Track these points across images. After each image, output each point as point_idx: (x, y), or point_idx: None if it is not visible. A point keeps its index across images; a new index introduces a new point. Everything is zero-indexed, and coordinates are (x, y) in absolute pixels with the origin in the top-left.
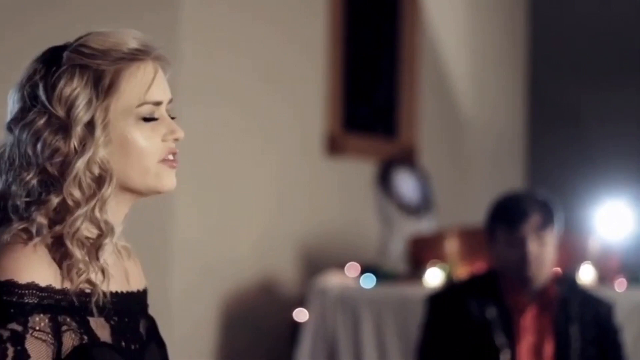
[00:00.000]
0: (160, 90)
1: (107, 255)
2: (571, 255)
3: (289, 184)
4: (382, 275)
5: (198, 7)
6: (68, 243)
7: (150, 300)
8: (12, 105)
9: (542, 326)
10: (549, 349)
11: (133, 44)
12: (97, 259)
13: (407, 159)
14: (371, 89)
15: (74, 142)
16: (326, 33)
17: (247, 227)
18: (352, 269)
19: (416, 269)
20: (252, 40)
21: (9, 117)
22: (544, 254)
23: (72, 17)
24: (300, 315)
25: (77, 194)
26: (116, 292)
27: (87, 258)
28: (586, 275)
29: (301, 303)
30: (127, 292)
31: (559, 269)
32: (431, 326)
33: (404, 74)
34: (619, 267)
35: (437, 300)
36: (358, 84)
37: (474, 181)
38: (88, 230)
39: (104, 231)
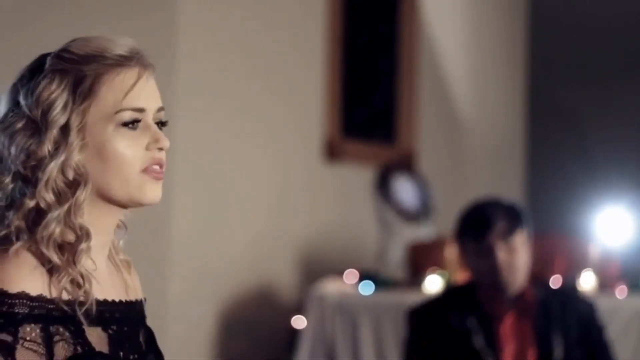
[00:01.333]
0: (144, 97)
1: (84, 260)
2: (571, 262)
3: (287, 189)
4: (381, 282)
5: (196, 11)
6: (43, 247)
7: (147, 305)
8: (2, 108)
9: (523, 332)
10: (531, 355)
11: (117, 50)
12: (74, 263)
13: (406, 164)
14: (370, 94)
15: (48, 146)
16: (325, 37)
17: (245, 232)
18: (351, 275)
19: (415, 275)
20: (250, 44)
21: None
22: (514, 260)
23: (70, 18)
24: (298, 322)
25: (49, 197)
26: (113, 301)
27: (65, 263)
28: (587, 282)
29: (299, 310)
30: (127, 301)
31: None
32: (413, 341)
33: (403, 78)
34: (619, 274)
35: (417, 314)
36: (357, 88)
37: (473, 186)
38: (70, 235)
39: (79, 236)
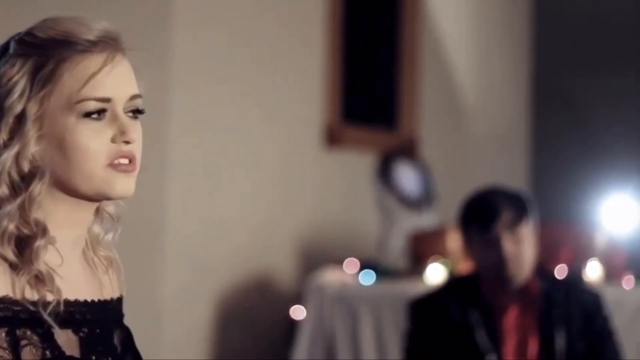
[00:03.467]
0: (111, 85)
1: (43, 256)
2: (577, 252)
3: (286, 177)
4: (382, 272)
5: None
6: None
7: (144, 296)
8: None
9: (526, 325)
10: (533, 347)
11: (86, 35)
12: (32, 261)
13: (407, 151)
14: (371, 80)
15: (3, 135)
16: (325, 22)
17: (242, 221)
18: (351, 264)
19: (417, 264)
20: (249, 30)
21: None
22: (521, 251)
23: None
24: (297, 312)
25: (1, 191)
26: (85, 301)
27: (23, 260)
28: (592, 272)
29: (298, 300)
30: (99, 301)
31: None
32: (413, 334)
33: (404, 64)
34: (626, 264)
35: (418, 306)
36: (357, 74)
37: (476, 174)
38: (21, 230)
39: (34, 232)
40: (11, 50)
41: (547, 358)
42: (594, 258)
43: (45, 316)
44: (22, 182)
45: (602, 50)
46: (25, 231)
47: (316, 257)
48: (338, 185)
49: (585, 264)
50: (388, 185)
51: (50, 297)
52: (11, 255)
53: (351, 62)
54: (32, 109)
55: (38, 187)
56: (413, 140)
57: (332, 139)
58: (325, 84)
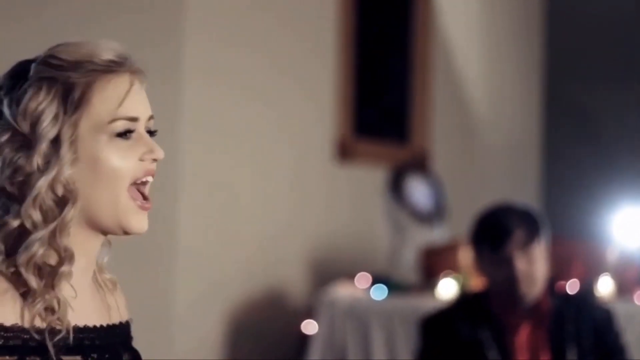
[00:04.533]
0: (137, 106)
1: (66, 285)
2: (588, 267)
3: (298, 191)
4: (393, 286)
5: (205, 8)
6: (23, 271)
7: (155, 311)
8: None
9: (538, 342)
10: None
11: (107, 55)
12: (53, 288)
13: (419, 164)
14: (382, 93)
15: (38, 160)
16: (337, 36)
17: (254, 235)
18: (363, 279)
19: (428, 279)
20: (261, 44)
21: None
22: (533, 270)
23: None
24: (309, 327)
25: (36, 216)
26: (94, 327)
27: (42, 287)
28: (604, 287)
29: (309, 314)
30: (107, 326)
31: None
32: (424, 352)
33: (416, 77)
34: (638, 279)
35: (429, 324)
36: (369, 88)
37: (488, 188)
38: (51, 257)
39: (62, 258)
40: (33, 73)
41: None
42: (605, 273)
43: (49, 344)
44: (55, 207)
45: (614, 62)
46: (51, 258)
47: (327, 271)
48: (350, 199)
49: (597, 279)
50: (399, 199)
51: (58, 326)
52: (33, 282)
53: (363, 76)
54: (67, 133)
55: (70, 213)
56: (424, 154)
57: (344, 152)
58: (337, 98)
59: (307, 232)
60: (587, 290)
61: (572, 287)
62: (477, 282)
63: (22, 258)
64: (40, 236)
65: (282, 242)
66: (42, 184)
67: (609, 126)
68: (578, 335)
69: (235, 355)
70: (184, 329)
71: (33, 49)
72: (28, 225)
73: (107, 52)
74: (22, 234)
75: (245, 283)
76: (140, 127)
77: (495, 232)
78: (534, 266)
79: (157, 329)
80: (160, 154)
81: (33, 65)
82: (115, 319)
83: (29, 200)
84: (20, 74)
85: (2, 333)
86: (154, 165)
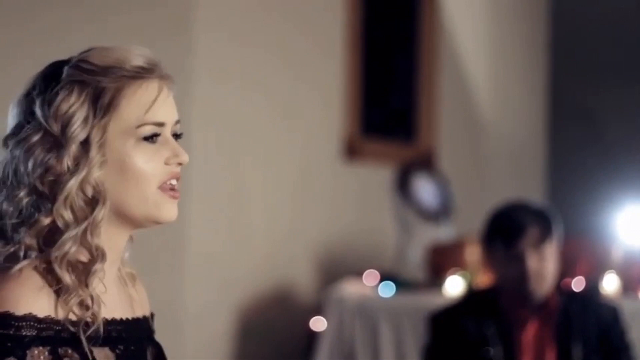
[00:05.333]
0: (164, 111)
1: (97, 281)
2: (594, 264)
3: (306, 190)
4: (401, 283)
5: (211, 6)
6: (56, 267)
7: (164, 311)
8: (10, 120)
9: (544, 339)
10: None
11: (137, 61)
12: (86, 285)
13: (425, 163)
14: (389, 93)
15: (68, 161)
16: (344, 36)
17: (263, 233)
18: (371, 276)
19: (436, 277)
20: (269, 44)
21: (7, 131)
22: (544, 268)
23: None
24: (317, 324)
25: (67, 215)
26: (121, 320)
27: (77, 284)
28: (610, 285)
29: (318, 311)
30: (133, 319)
31: (581, 280)
32: (432, 348)
33: (423, 77)
34: None
35: (436, 320)
36: (376, 87)
37: (493, 186)
38: (82, 255)
39: (94, 256)
40: (65, 76)
41: None
42: (610, 271)
43: (83, 337)
44: (86, 207)
45: (618, 64)
46: (83, 256)
47: (335, 268)
48: (357, 197)
49: (602, 277)
50: (406, 197)
51: (89, 318)
52: (67, 279)
53: (370, 76)
54: (96, 136)
55: (102, 213)
56: (431, 153)
57: (351, 151)
58: (344, 97)
59: (315, 230)
60: (592, 288)
61: (577, 284)
62: (483, 279)
63: (55, 256)
64: (73, 235)
65: (290, 240)
66: (73, 184)
67: (613, 127)
68: (584, 333)
69: (245, 351)
70: (194, 326)
71: (44, 45)
72: (60, 224)
73: (137, 58)
74: (53, 231)
75: (254, 281)
76: (167, 132)
77: (509, 228)
78: (545, 264)
79: (168, 327)
80: (185, 157)
81: (65, 68)
82: (138, 313)
83: (60, 200)
84: (53, 75)
85: (36, 324)
86: (179, 169)
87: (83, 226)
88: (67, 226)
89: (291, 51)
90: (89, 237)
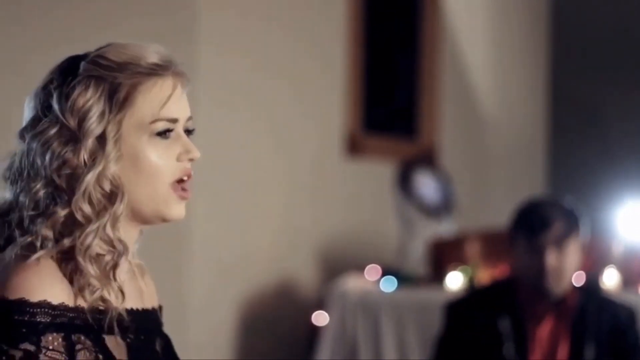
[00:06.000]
0: (178, 107)
1: (124, 274)
2: (594, 259)
3: (308, 186)
4: (403, 278)
5: (215, 9)
6: (80, 260)
7: (168, 303)
8: (26, 113)
9: (558, 336)
10: (561, 359)
11: (152, 58)
12: (114, 278)
13: (427, 159)
14: (391, 89)
15: (84, 155)
16: (345, 33)
17: (265, 229)
18: (373, 271)
19: (437, 272)
20: (270, 41)
21: (23, 124)
22: (564, 265)
23: (88, 13)
24: (319, 318)
25: (86, 209)
26: (132, 309)
27: (101, 276)
28: (610, 279)
29: (320, 306)
30: (143, 310)
31: (582, 274)
32: (445, 337)
33: (424, 73)
34: None
35: (452, 309)
36: (378, 84)
37: (494, 182)
38: (100, 247)
39: (118, 249)
40: (82, 70)
41: None
42: (611, 265)
43: (107, 324)
44: (105, 201)
45: (619, 59)
46: (106, 247)
47: (338, 263)
48: (359, 193)
49: (602, 272)
50: (408, 193)
51: (101, 307)
52: (91, 271)
53: (372, 73)
54: (112, 131)
55: (121, 207)
56: (433, 149)
57: (353, 148)
58: (346, 94)
59: (317, 226)
60: (593, 283)
61: (577, 279)
62: (484, 275)
63: (79, 248)
64: (94, 228)
65: (293, 235)
66: (90, 178)
67: (614, 121)
68: (598, 333)
69: (247, 346)
70: (197, 321)
71: (49, 48)
72: (79, 217)
73: (152, 55)
74: (68, 223)
75: (257, 276)
76: (179, 128)
77: (533, 221)
78: (565, 261)
79: (171, 321)
80: (197, 153)
81: (82, 63)
82: (147, 304)
83: (79, 193)
84: (70, 70)
85: (50, 311)
86: (190, 165)
87: (104, 220)
88: (88, 219)
89: (293, 50)
90: (109, 230)
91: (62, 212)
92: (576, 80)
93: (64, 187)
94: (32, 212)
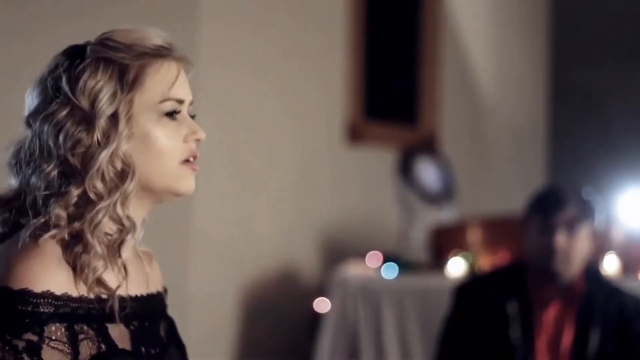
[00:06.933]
0: (183, 90)
1: (129, 252)
2: (595, 246)
3: (310, 173)
4: (404, 265)
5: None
6: (89, 236)
7: (170, 289)
8: (31, 100)
9: (564, 321)
10: (566, 343)
11: (157, 40)
12: (119, 255)
13: (428, 146)
14: (392, 76)
15: (98, 134)
16: (347, 20)
17: (267, 215)
18: (374, 258)
19: (438, 258)
20: (272, 28)
21: (27, 112)
22: (573, 249)
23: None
24: (321, 305)
25: (99, 186)
26: (136, 296)
27: (107, 252)
28: (610, 266)
29: (321, 293)
30: (147, 295)
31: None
32: (453, 317)
33: (425, 61)
34: None
35: (460, 291)
36: (379, 71)
37: (495, 169)
38: (107, 227)
39: (126, 227)
40: (90, 53)
41: (579, 356)
42: (611, 252)
43: (111, 312)
44: (117, 179)
45: (619, 46)
46: (114, 227)
47: (339, 250)
48: (360, 180)
49: (602, 258)
50: (409, 180)
51: (104, 296)
52: (98, 248)
53: (372, 59)
54: (124, 110)
55: (132, 185)
56: (433, 136)
57: (354, 135)
58: (347, 81)
59: (318, 213)
60: (593, 269)
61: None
62: (485, 261)
63: (88, 225)
64: (105, 205)
65: (294, 223)
66: (104, 157)
67: (615, 107)
68: (604, 320)
69: (249, 333)
70: (199, 308)
71: (50, 31)
72: (92, 195)
73: (157, 38)
74: (80, 204)
75: (258, 263)
76: (184, 110)
77: (548, 201)
78: (574, 245)
79: (173, 308)
80: (202, 134)
81: (89, 46)
82: (152, 288)
83: (92, 172)
84: (75, 53)
85: (53, 301)
86: (195, 146)
87: (115, 197)
88: (100, 197)
89: (294, 36)
90: (119, 208)
91: (75, 191)
92: (577, 67)
93: (77, 166)
94: (45, 192)
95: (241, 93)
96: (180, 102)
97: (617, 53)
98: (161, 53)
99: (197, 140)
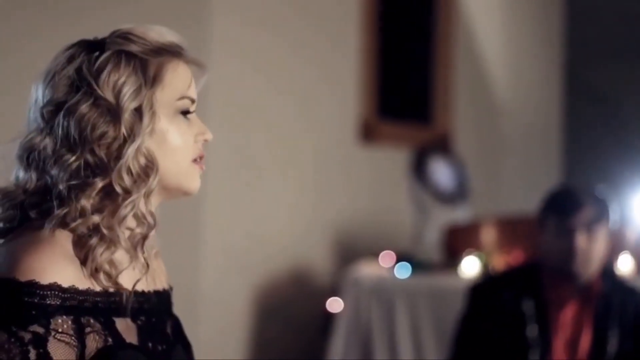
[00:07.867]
0: (194, 89)
1: (149, 248)
2: (609, 245)
3: (323, 172)
4: (417, 265)
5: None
6: (117, 229)
7: (181, 289)
8: (40, 93)
9: (582, 321)
10: (585, 344)
11: (173, 39)
12: (142, 250)
13: (441, 146)
14: (406, 76)
15: (123, 128)
16: (360, 20)
17: (280, 215)
18: (387, 257)
19: (451, 258)
20: (286, 27)
21: (40, 104)
22: (592, 250)
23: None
24: (334, 304)
25: (128, 180)
26: (142, 292)
27: (130, 247)
28: (624, 265)
29: (334, 292)
30: (154, 291)
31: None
32: (468, 317)
33: (439, 60)
34: None
35: (475, 291)
36: (392, 70)
37: (509, 168)
38: (131, 222)
39: (149, 222)
40: (110, 46)
41: (598, 357)
42: (625, 252)
43: (121, 306)
44: (142, 174)
45: (634, 45)
46: (133, 223)
47: (352, 250)
48: (373, 179)
49: (616, 258)
50: (422, 179)
51: (111, 289)
52: (123, 242)
53: (386, 59)
54: (147, 106)
55: (155, 181)
56: (447, 135)
57: (368, 134)
58: (360, 81)
59: (331, 212)
60: (608, 269)
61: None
62: (498, 261)
63: (117, 217)
64: (132, 200)
65: (307, 222)
66: (131, 151)
67: (629, 107)
68: (622, 320)
69: (262, 332)
70: (211, 308)
71: (59, 28)
72: (118, 189)
73: (171, 36)
74: (102, 197)
75: (271, 262)
76: (193, 110)
77: (565, 204)
78: (592, 246)
79: (184, 308)
80: (210, 135)
81: (110, 39)
82: (159, 286)
83: (120, 165)
84: (91, 46)
85: (60, 294)
86: (202, 147)
87: (141, 192)
88: (127, 191)
89: (307, 35)
90: (142, 204)
91: (100, 183)
92: (591, 66)
93: (103, 157)
94: (70, 183)
95: (254, 93)
96: (194, 101)
97: (632, 52)
98: (178, 52)
99: (205, 141)
